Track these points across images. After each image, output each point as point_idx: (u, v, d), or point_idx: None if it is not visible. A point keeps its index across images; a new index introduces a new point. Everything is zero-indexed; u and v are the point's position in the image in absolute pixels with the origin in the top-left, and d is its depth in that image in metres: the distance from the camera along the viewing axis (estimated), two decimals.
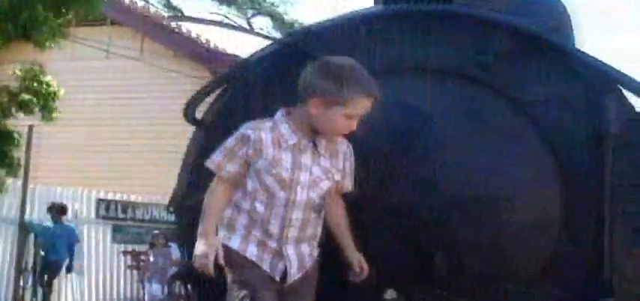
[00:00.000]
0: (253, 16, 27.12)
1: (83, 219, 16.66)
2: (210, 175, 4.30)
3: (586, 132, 3.94)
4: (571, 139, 3.95)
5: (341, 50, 4.17)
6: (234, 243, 3.69)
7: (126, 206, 17.72)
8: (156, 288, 15.43)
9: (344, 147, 3.74)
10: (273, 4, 27.18)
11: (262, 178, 3.65)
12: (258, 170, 3.65)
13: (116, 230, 17.42)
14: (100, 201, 17.17)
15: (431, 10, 4.20)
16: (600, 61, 4.09)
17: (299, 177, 3.64)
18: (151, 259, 15.58)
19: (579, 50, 4.12)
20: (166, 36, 20.32)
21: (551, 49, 4.06)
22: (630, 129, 3.94)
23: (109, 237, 17.31)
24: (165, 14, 25.25)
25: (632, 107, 4.07)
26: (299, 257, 3.69)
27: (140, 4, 22.17)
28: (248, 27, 27.14)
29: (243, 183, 3.70)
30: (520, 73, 4.04)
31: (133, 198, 17.89)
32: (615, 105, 3.91)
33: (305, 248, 3.71)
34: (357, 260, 3.76)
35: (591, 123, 3.93)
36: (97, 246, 17.04)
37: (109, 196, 17.48)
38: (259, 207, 3.66)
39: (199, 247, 3.65)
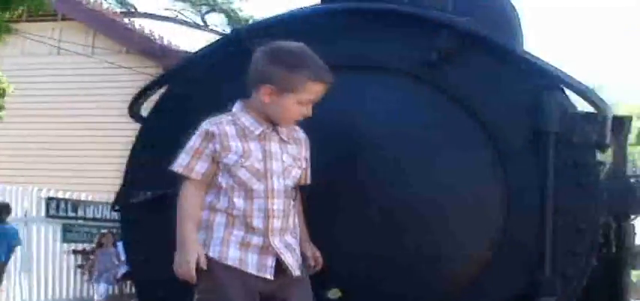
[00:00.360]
0: (207, 12, 27.00)
1: (32, 218, 16.48)
2: (155, 173, 4.29)
3: (528, 131, 3.95)
4: (513, 138, 3.97)
5: None
6: (214, 251, 3.57)
7: (76, 205, 17.56)
8: (103, 288, 15.32)
9: (302, 134, 3.72)
10: (227, 0, 27.10)
11: (235, 173, 3.57)
12: (228, 165, 3.57)
13: (66, 229, 17.25)
14: (49, 199, 16.99)
15: (374, 8, 4.19)
16: (542, 61, 4.11)
17: (272, 165, 3.59)
18: (99, 259, 15.44)
19: (522, 50, 4.14)
20: (118, 32, 20.18)
21: (494, 48, 4.07)
22: (572, 128, 3.96)
23: (59, 236, 17.13)
24: (118, 10, 25.04)
25: (574, 106, 4.10)
26: (288, 249, 3.61)
27: None
28: (202, 23, 27.05)
29: (215, 182, 3.60)
30: (463, 72, 4.05)
31: (83, 196, 17.74)
32: (556, 104, 3.92)
33: (290, 239, 3.63)
34: (311, 252, 3.75)
35: (533, 122, 3.94)
36: (46, 246, 16.86)
37: (59, 195, 17.30)
38: (238, 203, 3.57)
39: (180, 255, 3.56)
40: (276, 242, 3.57)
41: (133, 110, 4.63)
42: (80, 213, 17.61)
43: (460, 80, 4.04)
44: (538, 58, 4.10)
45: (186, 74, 4.46)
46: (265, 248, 3.57)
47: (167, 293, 4.32)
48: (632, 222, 7.03)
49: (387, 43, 3.93)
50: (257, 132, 3.60)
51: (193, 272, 3.52)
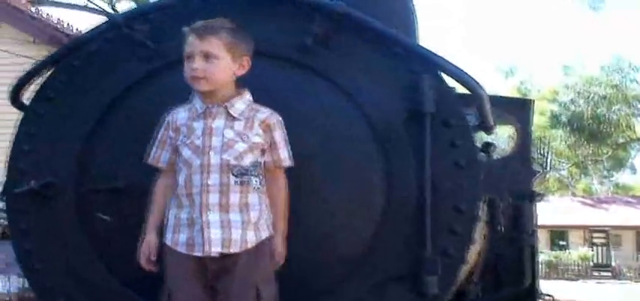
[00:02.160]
0: (117, 0, 26.75)
1: None
2: (39, 162, 4.26)
3: (405, 113, 4.02)
4: (391, 120, 4.02)
5: (164, 31, 4.18)
6: (167, 237, 3.67)
7: None
8: (12, 280, 15.01)
9: (264, 115, 3.71)
10: None
11: (181, 152, 3.66)
12: (178, 147, 3.68)
13: None
14: None
15: None
16: (419, 46, 4.20)
17: (211, 141, 3.61)
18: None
19: (400, 34, 4.17)
20: (25, 21, 19.79)
21: (371, 32, 4.11)
22: (448, 110, 4.04)
23: None
24: None
25: (452, 89, 4.17)
26: (224, 226, 3.57)
27: None
28: (112, 11, 26.72)
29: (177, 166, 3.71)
30: (340, 56, 4.09)
31: None
32: (433, 86, 3.99)
33: (235, 217, 3.58)
34: (275, 246, 3.71)
35: (410, 104, 4.00)
36: None
37: None
38: (180, 181, 3.65)
39: (140, 245, 3.72)
40: (211, 217, 3.57)
41: (14, 97, 4.58)
42: None
43: (336, 64, 4.08)
44: (414, 43, 4.16)
45: (66, 61, 4.42)
46: (192, 225, 3.59)
47: (55, 283, 4.31)
48: (532, 204, 7.21)
49: (262, 27, 3.94)
50: (201, 110, 3.68)
51: (144, 264, 3.72)
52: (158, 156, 3.79)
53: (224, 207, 3.58)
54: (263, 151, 3.69)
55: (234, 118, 3.67)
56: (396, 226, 3.98)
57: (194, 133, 3.66)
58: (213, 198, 3.58)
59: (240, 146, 3.63)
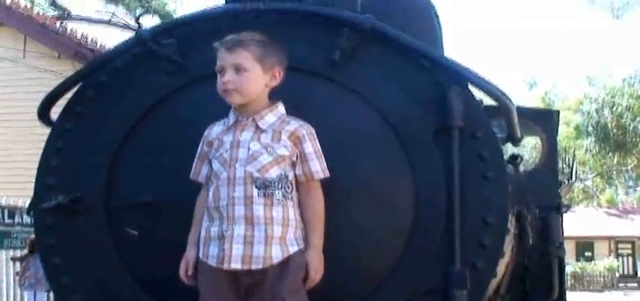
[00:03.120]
0: (142, 14, 26.84)
1: None
2: (67, 177, 4.27)
3: (433, 127, 4.00)
4: (419, 134, 4.00)
5: (190, 47, 4.19)
6: (201, 251, 3.71)
7: (12, 211, 17.29)
8: (39, 297, 15.07)
9: (293, 127, 3.69)
10: (161, 2, 26.96)
11: (212, 165, 3.71)
12: (211, 160, 3.73)
13: (3, 235, 16.99)
14: None
15: (277, 8, 4.22)
16: (446, 58, 4.18)
17: (238, 154, 3.63)
18: (31, 265, 15.18)
19: (427, 47, 4.16)
20: (50, 36, 19.93)
21: (398, 45, 4.10)
22: (476, 122, 4.02)
23: None
24: (51, 14, 24.74)
25: (478, 101, 4.16)
26: (246, 241, 3.56)
27: (23, 4, 21.71)
28: (136, 26, 26.83)
29: None
30: (367, 70, 4.08)
31: (20, 202, 17.50)
32: (460, 99, 3.97)
33: (259, 231, 3.56)
34: (309, 258, 3.65)
35: (438, 117, 3.99)
36: None
37: None
38: (209, 194, 3.68)
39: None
40: (237, 230, 3.57)
41: (42, 114, 4.60)
42: (17, 219, 17.33)
43: (364, 78, 4.07)
44: (442, 55, 4.14)
45: (94, 76, 4.43)
46: (222, 238, 3.60)
47: (83, 298, 4.31)
48: (559, 215, 7.17)
49: (291, 42, 3.92)
50: (231, 122, 3.71)
51: (181, 275, 3.74)
52: (198, 170, 3.82)
53: (249, 220, 3.57)
54: (293, 164, 3.67)
55: (262, 130, 3.67)
56: (425, 240, 3.94)
57: (223, 146, 3.68)
58: (239, 211, 3.58)
59: (265, 158, 3.62)
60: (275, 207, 3.59)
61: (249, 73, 3.67)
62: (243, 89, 3.67)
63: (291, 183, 3.65)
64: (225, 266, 3.56)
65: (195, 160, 3.83)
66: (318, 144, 3.73)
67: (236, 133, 3.68)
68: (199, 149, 3.82)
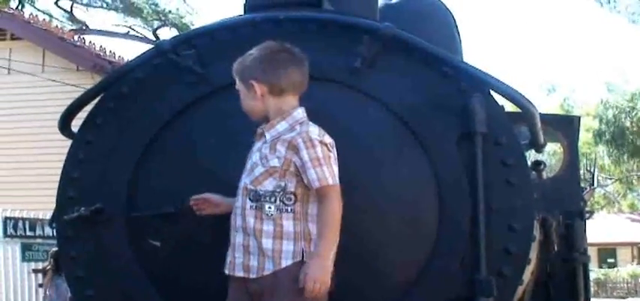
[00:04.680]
0: (159, 27, 26.99)
1: None
2: (88, 188, 4.27)
3: (457, 133, 3.97)
4: (441, 141, 3.97)
5: (210, 57, 4.18)
6: None
7: (34, 223, 17.34)
8: None
9: (290, 135, 3.59)
10: (178, 15, 27.09)
11: None
12: None
13: (25, 248, 17.04)
14: (7, 219, 16.78)
15: (297, 17, 4.21)
16: (468, 64, 4.15)
17: (246, 164, 3.66)
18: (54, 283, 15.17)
19: (448, 54, 4.14)
20: (68, 49, 20.02)
21: (419, 52, 4.08)
22: (499, 128, 3.99)
23: (18, 256, 16.93)
24: (69, 28, 24.89)
25: (501, 107, 4.13)
26: (245, 251, 3.57)
27: (41, 17, 21.83)
28: (154, 38, 26.97)
29: None
30: (389, 77, 4.05)
31: (40, 215, 17.55)
32: (483, 106, 3.94)
33: (253, 242, 3.55)
34: (305, 269, 3.49)
35: (461, 123, 3.95)
36: (5, 265, 16.66)
37: (17, 214, 17.10)
38: None
39: None
40: (237, 239, 3.60)
41: (63, 126, 4.60)
42: (39, 231, 17.39)
43: (385, 85, 4.04)
44: (464, 62, 4.12)
45: (114, 88, 4.43)
46: (231, 246, 3.64)
47: None
48: (582, 222, 7.12)
49: (311, 51, 3.87)
50: (259, 132, 3.73)
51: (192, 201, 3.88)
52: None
53: (245, 230, 3.58)
54: (297, 174, 3.56)
55: (265, 141, 3.66)
56: (450, 248, 3.91)
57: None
58: (238, 221, 3.62)
59: (258, 170, 3.61)
60: (265, 220, 3.55)
61: (240, 93, 3.75)
62: (249, 110, 3.75)
63: (293, 195, 3.56)
64: (231, 273, 3.63)
65: None
66: (321, 151, 3.55)
67: (256, 143, 3.70)
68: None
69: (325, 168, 3.52)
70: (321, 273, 3.46)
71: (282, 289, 3.51)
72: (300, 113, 3.68)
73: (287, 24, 4.17)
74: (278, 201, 3.55)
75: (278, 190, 3.55)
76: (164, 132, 4.23)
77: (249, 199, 3.58)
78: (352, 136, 3.85)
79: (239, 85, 3.73)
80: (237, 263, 3.60)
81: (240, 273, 3.59)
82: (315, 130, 3.59)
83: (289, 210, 3.55)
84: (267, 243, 3.53)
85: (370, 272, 3.88)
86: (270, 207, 3.55)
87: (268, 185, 3.56)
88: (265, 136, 3.65)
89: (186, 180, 4.02)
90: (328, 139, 3.60)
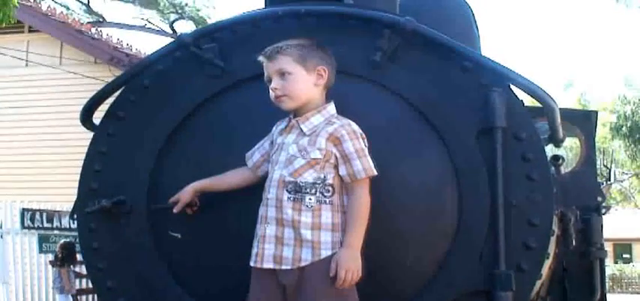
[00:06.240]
0: (176, 20, 27.02)
1: (8, 230, 16.36)
2: (110, 181, 4.30)
3: (476, 128, 3.97)
4: (461, 135, 3.97)
5: (231, 50, 4.20)
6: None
7: (51, 215, 17.42)
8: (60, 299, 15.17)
9: (332, 127, 3.66)
10: (195, 8, 27.10)
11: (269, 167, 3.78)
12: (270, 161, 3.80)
13: (42, 240, 17.12)
14: (24, 211, 16.86)
15: (318, 10, 4.22)
16: (488, 59, 4.15)
17: (279, 157, 3.68)
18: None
19: (468, 48, 4.14)
20: (86, 42, 20.08)
21: (440, 46, 4.09)
22: (519, 123, 3.99)
23: (35, 247, 17.01)
24: (86, 20, 24.94)
25: (521, 102, 4.12)
26: (278, 242, 3.60)
27: (59, 10, 21.89)
28: (171, 31, 26.99)
29: None
30: (410, 71, 4.06)
31: (58, 207, 17.63)
32: (503, 100, 3.94)
33: (288, 233, 3.58)
34: (337, 258, 3.55)
35: (480, 118, 3.96)
36: (23, 257, 16.73)
37: (34, 205, 17.18)
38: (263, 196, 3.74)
39: None
40: (269, 230, 3.61)
41: (85, 118, 4.63)
42: (56, 223, 17.46)
43: (406, 79, 4.05)
44: (484, 56, 4.11)
45: (135, 81, 4.45)
46: (259, 237, 3.65)
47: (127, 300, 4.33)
48: (599, 217, 7.12)
49: (332, 44, 3.90)
50: (282, 126, 3.79)
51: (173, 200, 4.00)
52: (251, 154, 3.91)
53: (280, 222, 3.60)
54: (336, 166, 3.64)
55: (303, 134, 3.68)
56: (469, 242, 3.91)
57: (274, 148, 3.76)
58: (271, 212, 3.62)
59: (298, 162, 3.63)
60: (304, 211, 3.59)
61: (292, 75, 3.69)
62: (291, 92, 3.69)
63: (331, 187, 3.62)
64: (259, 265, 3.62)
65: (257, 145, 3.90)
66: (362, 143, 3.67)
67: (284, 136, 3.72)
68: (264, 140, 3.89)
69: (367, 159, 3.64)
70: (353, 263, 3.54)
71: (320, 279, 3.55)
72: (334, 108, 3.77)
73: (308, 17, 4.19)
74: (318, 193, 3.60)
75: (318, 182, 3.61)
76: (185, 125, 4.25)
77: (287, 191, 3.61)
78: (372, 130, 3.83)
79: (288, 66, 3.69)
80: (267, 254, 3.61)
81: (269, 265, 3.60)
82: (354, 123, 3.70)
83: (328, 201, 3.61)
84: (306, 234, 3.57)
85: (390, 264, 3.88)
86: (310, 199, 3.59)
87: (308, 176, 3.61)
88: (301, 128, 3.68)
89: (207, 172, 4.04)
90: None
